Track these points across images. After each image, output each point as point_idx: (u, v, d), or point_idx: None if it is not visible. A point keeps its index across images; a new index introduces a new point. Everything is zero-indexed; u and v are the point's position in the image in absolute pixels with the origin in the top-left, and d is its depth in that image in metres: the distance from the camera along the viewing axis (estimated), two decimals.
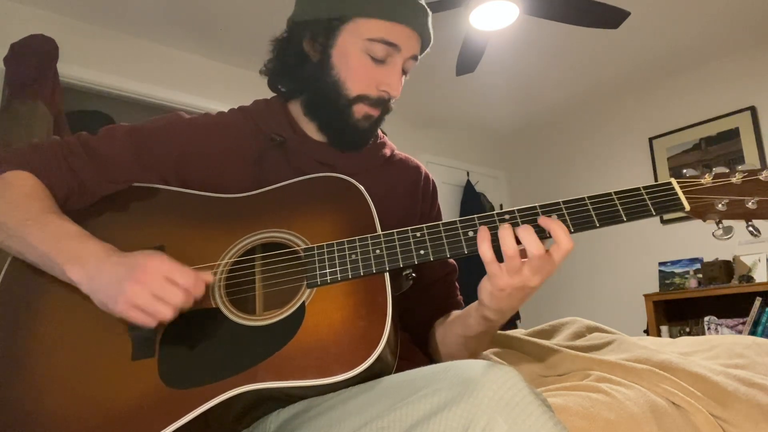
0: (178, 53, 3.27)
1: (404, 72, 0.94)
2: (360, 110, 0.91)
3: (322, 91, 0.92)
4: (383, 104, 0.92)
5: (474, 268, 1.01)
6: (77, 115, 3.21)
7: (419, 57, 0.96)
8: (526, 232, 0.70)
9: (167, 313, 0.69)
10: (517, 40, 3.24)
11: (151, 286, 0.68)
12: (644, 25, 3.14)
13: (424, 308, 0.97)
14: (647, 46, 3.41)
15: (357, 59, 0.89)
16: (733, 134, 3.52)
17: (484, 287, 0.75)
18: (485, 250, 0.71)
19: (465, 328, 0.86)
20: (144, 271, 0.69)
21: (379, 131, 1.03)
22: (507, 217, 0.74)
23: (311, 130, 0.96)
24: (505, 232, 0.70)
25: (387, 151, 1.01)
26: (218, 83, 3.33)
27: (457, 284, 1.02)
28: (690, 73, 3.76)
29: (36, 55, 2.55)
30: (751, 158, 3.43)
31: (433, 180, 1.07)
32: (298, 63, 0.95)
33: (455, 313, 0.94)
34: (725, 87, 3.59)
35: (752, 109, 3.46)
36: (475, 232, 0.74)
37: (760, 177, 0.71)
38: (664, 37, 3.32)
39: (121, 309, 0.69)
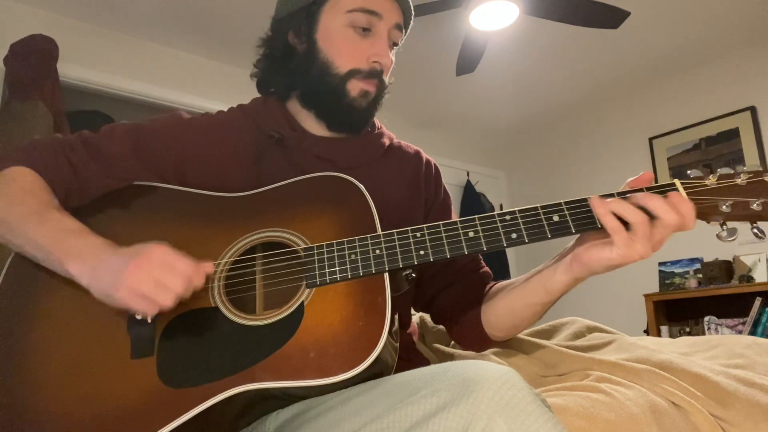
0: (178, 53, 3.27)
1: (393, 43, 0.94)
2: (354, 87, 0.90)
3: (314, 78, 0.91)
4: (377, 77, 0.91)
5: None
6: (77, 115, 3.21)
7: (404, 28, 0.95)
8: (652, 198, 0.69)
9: (168, 301, 0.68)
10: (517, 40, 3.24)
11: (152, 273, 0.68)
12: (644, 25, 3.14)
13: (458, 287, 0.96)
14: (647, 46, 3.41)
15: (341, 34, 0.89)
16: (733, 134, 3.52)
17: (603, 257, 0.72)
18: (612, 221, 0.69)
19: (547, 295, 0.83)
20: (146, 258, 0.69)
21: (377, 121, 1.03)
22: (508, 217, 0.74)
23: (310, 124, 0.96)
24: (623, 204, 0.69)
25: (386, 141, 1.01)
26: (218, 83, 3.33)
27: (480, 255, 1.00)
28: (690, 73, 3.75)
29: (36, 55, 2.54)
30: (751, 158, 3.43)
31: (435, 164, 1.06)
32: (287, 58, 0.95)
33: (515, 281, 0.90)
34: (725, 87, 3.59)
35: (752, 109, 3.45)
36: (476, 232, 0.74)
37: (766, 178, 0.70)
38: (664, 37, 3.32)
39: (123, 295, 0.68)
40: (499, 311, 0.90)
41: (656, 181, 0.75)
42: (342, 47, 0.89)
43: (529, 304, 0.86)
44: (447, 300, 0.96)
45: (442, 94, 3.92)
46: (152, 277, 0.68)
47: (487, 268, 1.00)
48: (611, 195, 0.74)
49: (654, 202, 0.69)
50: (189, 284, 0.70)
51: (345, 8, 0.89)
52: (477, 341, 0.95)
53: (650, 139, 3.91)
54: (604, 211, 0.70)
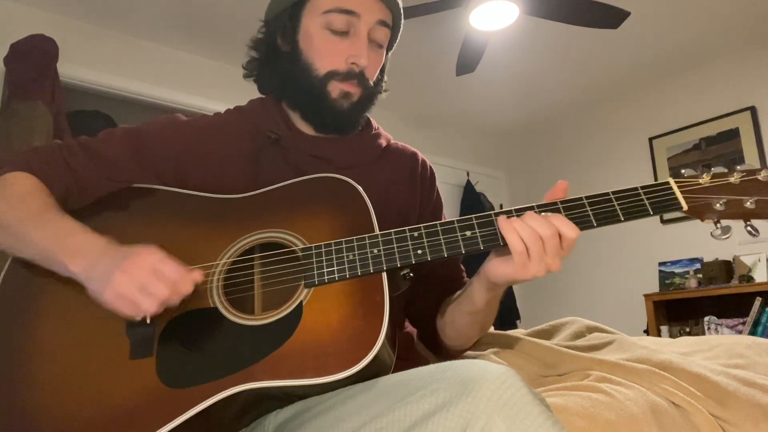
0: (178, 53, 3.27)
1: (377, 42, 0.92)
2: (335, 88, 0.90)
3: (297, 80, 0.91)
4: (357, 78, 0.90)
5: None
6: (77, 115, 3.21)
7: (391, 24, 0.93)
8: (531, 218, 0.70)
9: (151, 306, 0.69)
10: (517, 40, 3.24)
11: (139, 278, 0.68)
12: (644, 25, 3.14)
13: (432, 294, 0.96)
14: (647, 46, 3.41)
15: (319, 36, 0.89)
16: (733, 134, 3.52)
17: (503, 273, 0.75)
18: (516, 241, 0.71)
19: (473, 305, 0.85)
20: (133, 262, 0.69)
21: (374, 122, 1.03)
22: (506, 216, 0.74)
23: (303, 125, 0.96)
24: (522, 224, 0.70)
25: (383, 142, 1.01)
26: (218, 83, 3.33)
27: (462, 266, 1.01)
28: (690, 73, 3.75)
29: (36, 55, 2.54)
30: (751, 158, 3.43)
31: (430, 166, 1.06)
32: (275, 60, 0.95)
33: (459, 292, 0.92)
34: (725, 87, 3.59)
35: (752, 109, 3.45)
36: (473, 232, 0.74)
37: (759, 177, 0.70)
38: (664, 37, 3.32)
39: (108, 298, 0.69)
40: (444, 320, 0.93)
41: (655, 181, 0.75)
42: (321, 49, 0.89)
43: (463, 313, 0.88)
44: (421, 304, 0.98)
45: (442, 94, 3.92)
46: (138, 281, 0.68)
47: (467, 279, 1.00)
48: (530, 207, 0.74)
49: (532, 220, 0.71)
50: (174, 290, 0.70)
51: (322, 9, 0.88)
52: (437, 348, 0.97)
53: (650, 139, 3.91)
54: (509, 230, 0.71)
